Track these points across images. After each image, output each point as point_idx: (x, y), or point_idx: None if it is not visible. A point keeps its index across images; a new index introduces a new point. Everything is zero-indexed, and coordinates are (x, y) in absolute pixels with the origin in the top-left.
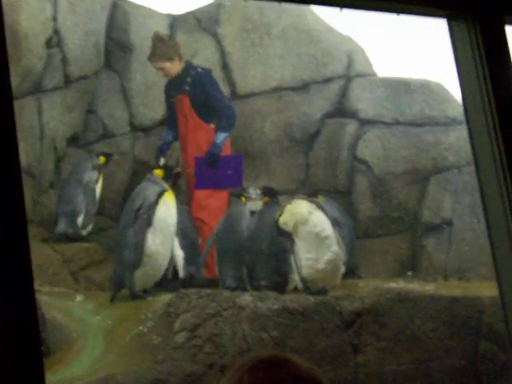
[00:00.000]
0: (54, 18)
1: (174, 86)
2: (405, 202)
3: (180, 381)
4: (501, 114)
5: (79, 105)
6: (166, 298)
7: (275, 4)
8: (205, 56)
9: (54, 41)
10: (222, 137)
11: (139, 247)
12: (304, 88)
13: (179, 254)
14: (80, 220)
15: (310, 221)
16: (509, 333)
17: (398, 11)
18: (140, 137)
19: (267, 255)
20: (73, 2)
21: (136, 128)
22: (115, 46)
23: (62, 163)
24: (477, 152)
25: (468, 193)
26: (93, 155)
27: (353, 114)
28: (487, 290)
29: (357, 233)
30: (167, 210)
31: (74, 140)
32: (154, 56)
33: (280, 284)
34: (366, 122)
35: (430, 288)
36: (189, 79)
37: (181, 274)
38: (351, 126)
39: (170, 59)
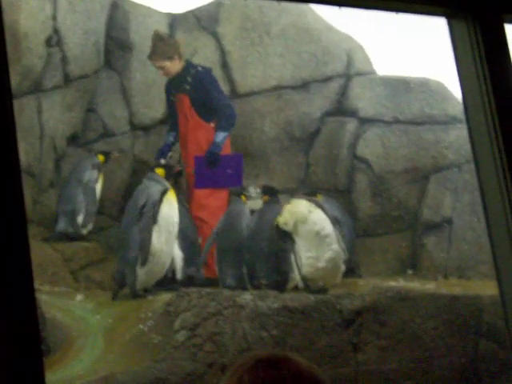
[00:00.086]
0: (54, 17)
1: (174, 85)
2: (405, 201)
3: (180, 380)
4: (501, 112)
5: (79, 104)
6: (166, 296)
7: (275, 3)
8: (204, 55)
9: (54, 40)
10: (221, 136)
11: (145, 245)
12: (304, 87)
13: (178, 255)
14: (80, 219)
15: (309, 219)
16: (509, 331)
17: (398, 10)
18: (140, 136)
19: (267, 254)
20: (72, 1)
21: (136, 127)
22: (115, 45)
23: (62, 162)
24: (477, 150)
25: (468, 191)
26: (92, 154)
27: (353, 113)
28: (487, 288)
29: (357, 231)
30: (171, 208)
31: (73, 139)
32: (153, 55)
33: (280, 283)
34: (365, 121)
35: (430, 286)
36: (189, 78)
37: (179, 275)
38: (351, 125)
39: (170, 58)
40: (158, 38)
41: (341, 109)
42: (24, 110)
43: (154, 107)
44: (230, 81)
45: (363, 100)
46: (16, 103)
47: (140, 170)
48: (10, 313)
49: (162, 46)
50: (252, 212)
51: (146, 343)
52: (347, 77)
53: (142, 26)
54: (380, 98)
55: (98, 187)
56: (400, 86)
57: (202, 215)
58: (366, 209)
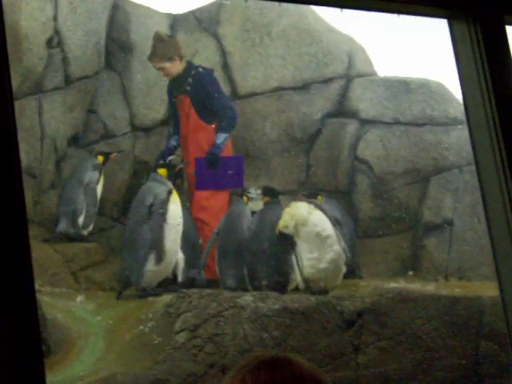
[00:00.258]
0: (55, 18)
1: (175, 87)
2: (405, 202)
3: (181, 381)
4: (501, 113)
5: (80, 105)
6: (166, 297)
7: (276, 4)
8: (205, 56)
9: (55, 41)
10: (222, 137)
11: (158, 244)
12: (305, 88)
13: (180, 257)
14: (81, 220)
15: (309, 221)
16: (509, 332)
17: (399, 11)
18: (141, 137)
19: (268, 255)
20: (73, 2)
21: (137, 128)
22: (116, 46)
23: (63, 163)
24: (477, 152)
25: (469, 192)
26: (92, 155)
27: (353, 114)
28: (488, 289)
29: (357, 232)
30: (176, 208)
31: (74, 140)
32: (153, 56)
33: (281, 284)
34: (366, 122)
35: (430, 288)
36: (190, 79)
37: (180, 278)
38: (352, 126)
39: (170, 59)
40: (158, 39)
41: (341, 110)
42: (25, 111)
43: (154, 108)
44: (231, 82)
45: (364, 101)
46: (17, 104)
47: (141, 171)
48: (10, 313)
49: (162, 47)
50: (253, 213)
51: (147, 344)
52: (348, 78)
53: (142, 27)
54: (381, 99)
55: (99, 188)
56: (401, 88)
57: (202, 217)
58: (367, 210)
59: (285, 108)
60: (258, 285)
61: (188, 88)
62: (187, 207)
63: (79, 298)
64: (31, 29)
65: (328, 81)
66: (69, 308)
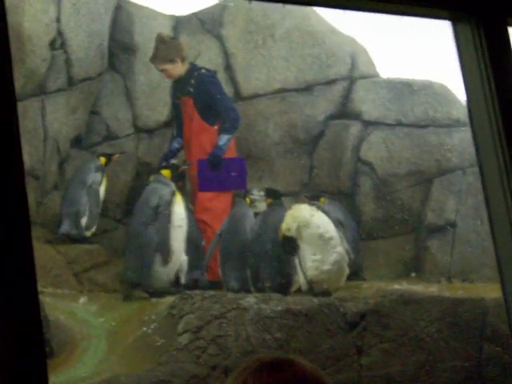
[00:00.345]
0: (58, 20)
1: (178, 88)
2: (408, 204)
3: (183, 382)
4: (505, 115)
5: (83, 106)
6: (169, 299)
7: (279, 5)
8: (208, 57)
9: (58, 42)
10: (224, 139)
11: (165, 245)
12: (308, 89)
13: (183, 259)
14: (84, 221)
15: (312, 223)
16: None
17: (402, 13)
18: (144, 138)
19: (271, 257)
20: (76, 3)
21: (140, 129)
22: (119, 48)
23: (66, 165)
24: (481, 153)
25: (472, 194)
26: (94, 156)
27: (356, 116)
28: (491, 291)
29: (360, 234)
30: (181, 209)
31: (77, 141)
32: (155, 58)
33: (284, 285)
34: (369, 124)
35: (433, 289)
36: (192, 81)
37: (182, 280)
38: (355, 128)
39: (172, 61)
40: (159, 41)
41: (344, 112)
42: (28, 113)
43: (157, 110)
44: (234, 83)
45: (367, 103)
46: (20, 106)
47: (143, 173)
48: (13, 315)
49: (164, 49)
50: (256, 215)
51: (150, 346)
52: (351, 80)
53: (145, 29)
54: (384, 100)
55: (102, 189)
56: (404, 89)
57: (205, 218)
58: (370, 212)
59: (288, 109)
60: (260, 286)
61: (191, 90)
62: (190, 209)
63: (82, 300)
64: (34, 30)
65: (331, 82)
66: (71, 309)
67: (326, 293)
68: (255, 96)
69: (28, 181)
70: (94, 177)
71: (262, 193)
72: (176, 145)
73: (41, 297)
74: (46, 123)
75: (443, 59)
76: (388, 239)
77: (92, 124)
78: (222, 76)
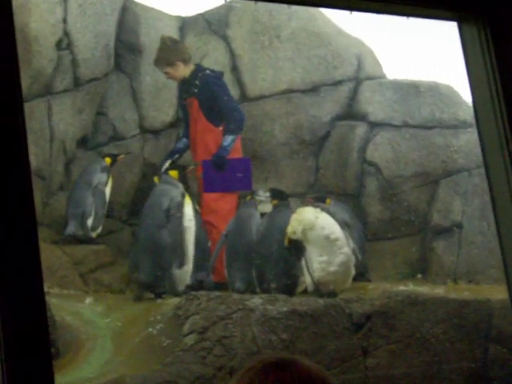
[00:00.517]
0: (64, 20)
1: (184, 89)
2: (414, 205)
3: (189, 383)
4: (511, 116)
5: (89, 107)
6: (175, 300)
7: (285, 6)
8: (214, 58)
9: (64, 43)
10: (229, 139)
11: (180, 248)
12: (314, 90)
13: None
14: (90, 222)
15: (317, 225)
16: None
17: (409, 14)
18: (150, 139)
19: (277, 257)
20: (83, 4)
21: (146, 130)
22: (125, 48)
23: (72, 165)
24: (487, 155)
25: (478, 195)
26: (99, 157)
27: (362, 117)
28: (497, 292)
29: (366, 235)
30: (189, 210)
31: (83, 142)
32: (155, 61)
33: (289, 286)
34: (375, 125)
35: (439, 291)
36: (197, 82)
37: (187, 281)
38: (361, 129)
39: (171, 64)
40: (161, 45)
41: (351, 113)
42: (34, 113)
43: (163, 110)
44: (240, 84)
45: (373, 104)
46: (26, 106)
47: (149, 174)
48: (20, 315)
49: (164, 53)
50: (262, 215)
51: (155, 346)
52: (357, 81)
53: (152, 30)
54: (390, 102)
55: (108, 190)
56: (410, 90)
57: (211, 219)
58: (376, 213)
59: (294, 110)
60: (266, 287)
61: (196, 91)
62: (197, 210)
63: (88, 300)
64: (41, 31)
65: (337, 83)
66: (77, 310)
67: (332, 294)
68: (261, 97)
69: (34, 181)
70: (99, 177)
71: (268, 194)
72: (180, 145)
73: (47, 297)
74: (52, 124)
75: (449, 60)
76: (394, 240)
77: (98, 124)
78: (228, 77)
